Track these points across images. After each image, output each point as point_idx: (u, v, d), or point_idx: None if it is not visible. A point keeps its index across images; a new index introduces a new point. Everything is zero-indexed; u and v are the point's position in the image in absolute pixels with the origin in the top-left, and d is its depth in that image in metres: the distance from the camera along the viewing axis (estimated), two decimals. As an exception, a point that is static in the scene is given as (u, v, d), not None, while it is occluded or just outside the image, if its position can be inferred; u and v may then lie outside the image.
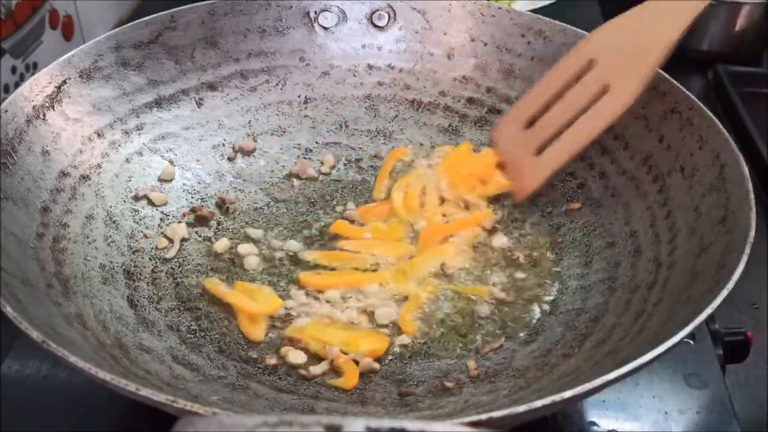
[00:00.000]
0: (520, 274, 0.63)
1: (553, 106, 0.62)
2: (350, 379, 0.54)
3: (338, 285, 0.61)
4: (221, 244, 0.64)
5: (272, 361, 0.56)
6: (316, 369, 0.55)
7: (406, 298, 0.60)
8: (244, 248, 0.64)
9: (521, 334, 0.58)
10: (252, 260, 0.63)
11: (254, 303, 0.59)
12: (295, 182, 0.72)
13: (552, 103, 0.63)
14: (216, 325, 0.58)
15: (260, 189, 0.70)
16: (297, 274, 0.62)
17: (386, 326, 0.58)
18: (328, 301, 0.60)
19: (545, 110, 0.63)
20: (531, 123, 0.64)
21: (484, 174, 0.67)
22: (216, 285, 0.60)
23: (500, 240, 0.65)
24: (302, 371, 0.55)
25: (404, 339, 0.57)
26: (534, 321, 0.59)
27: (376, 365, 0.55)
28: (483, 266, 0.63)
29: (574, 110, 0.60)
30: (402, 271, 0.62)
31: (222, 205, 0.68)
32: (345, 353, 0.56)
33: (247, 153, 0.72)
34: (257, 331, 0.57)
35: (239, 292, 0.60)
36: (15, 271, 0.51)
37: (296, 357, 0.56)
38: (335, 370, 0.55)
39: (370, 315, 0.59)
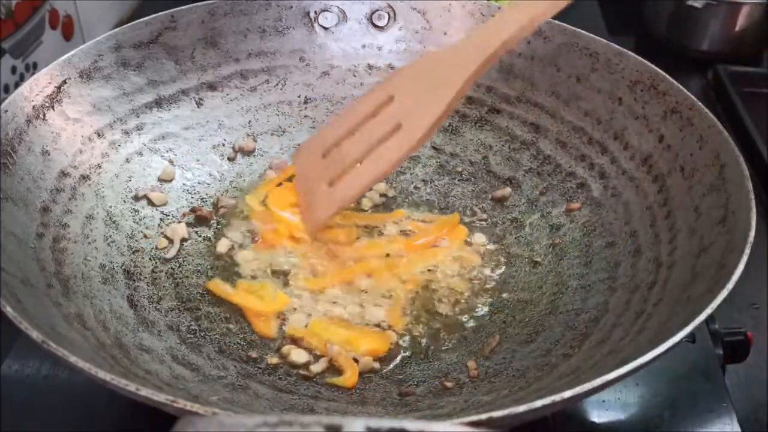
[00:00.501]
0: (519, 274, 0.63)
1: (349, 138, 0.60)
2: (350, 377, 0.54)
3: (332, 284, 0.61)
4: (223, 244, 0.64)
5: (273, 360, 0.56)
6: (316, 367, 0.55)
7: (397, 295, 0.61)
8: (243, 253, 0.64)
9: (521, 334, 0.58)
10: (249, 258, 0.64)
11: (261, 302, 0.59)
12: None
13: (350, 134, 0.61)
14: (216, 325, 0.58)
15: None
16: (295, 272, 0.62)
17: (378, 325, 0.58)
18: (328, 300, 0.60)
19: (342, 141, 0.61)
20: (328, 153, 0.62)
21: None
22: (219, 286, 0.60)
23: (480, 239, 0.66)
24: (302, 371, 0.55)
25: (405, 339, 0.58)
26: (534, 321, 0.59)
27: (376, 365, 0.56)
28: (479, 266, 0.63)
29: (367, 145, 0.59)
30: (392, 267, 0.62)
31: (216, 208, 0.68)
32: (346, 351, 0.56)
33: (247, 153, 0.72)
34: (270, 328, 0.58)
35: (244, 291, 0.60)
36: (15, 271, 0.51)
37: (299, 356, 0.56)
38: (335, 369, 0.55)
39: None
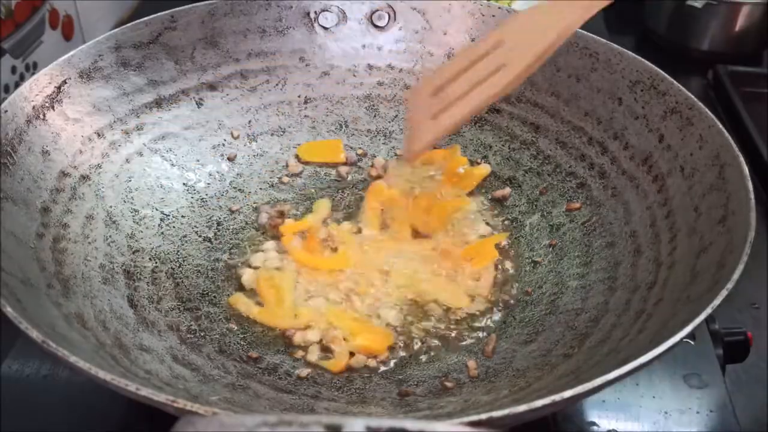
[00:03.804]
0: (519, 274, 0.63)
1: (456, 80, 0.64)
2: (338, 362, 0.55)
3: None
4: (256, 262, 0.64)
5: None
6: (312, 355, 0.57)
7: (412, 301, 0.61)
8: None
9: (521, 334, 0.58)
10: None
11: (278, 319, 0.59)
12: (296, 182, 0.72)
13: (458, 76, 0.65)
14: (216, 325, 0.58)
15: (260, 189, 0.70)
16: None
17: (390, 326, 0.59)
18: (346, 292, 0.61)
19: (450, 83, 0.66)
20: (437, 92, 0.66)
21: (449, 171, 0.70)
22: (241, 302, 0.60)
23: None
24: (299, 352, 0.57)
25: (405, 339, 0.58)
26: (534, 321, 0.59)
27: (372, 362, 0.56)
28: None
29: (470, 84, 0.63)
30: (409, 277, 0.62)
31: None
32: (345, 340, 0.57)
33: (294, 175, 0.73)
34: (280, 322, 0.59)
35: (264, 310, 0.60)
36: (15, 271, 0.51)
37: (301, 338, 0.57)
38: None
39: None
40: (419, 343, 0.58)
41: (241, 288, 0.61)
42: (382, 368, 0.56)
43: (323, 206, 0.69)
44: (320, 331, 0.58)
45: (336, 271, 0.62)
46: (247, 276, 0.62)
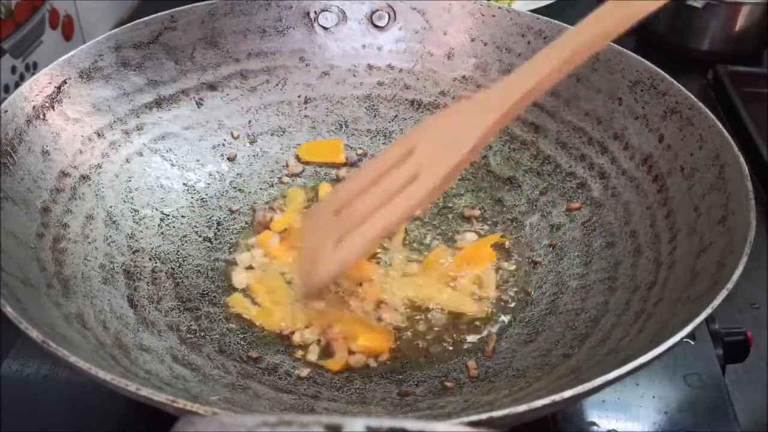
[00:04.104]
0: (519, 274, 0.63)
1: (364, 194, 0.56)
2: (337, 361, 0.56)
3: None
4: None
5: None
6: (312, 350, 0.57)
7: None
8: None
9: (521, 334, 0.58)
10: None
11: (271, 321, 0.59)
12: (296, 182, 0.72)
13: (365, 191, 0.56)
14: (216, 325, 0.58)
15: (260, 189, 0.70)
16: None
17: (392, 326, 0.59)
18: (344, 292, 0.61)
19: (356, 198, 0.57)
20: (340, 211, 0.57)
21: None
22: (239, 302, 0.60)
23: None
24: (299, 351, 0.57)
25: (405, 339, 0.58)
26: (534, 321, 0.59)
27: (372, 362, 0.56)
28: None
29: (380, 199, 0.55)
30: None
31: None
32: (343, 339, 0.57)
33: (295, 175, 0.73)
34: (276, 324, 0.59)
35: (261, 311, 0.60)
36: (15, 271, 0.51)
37: (300, 337, 0.57)
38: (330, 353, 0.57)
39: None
40: (419, 343, 0.58)
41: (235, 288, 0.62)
42: (382, 368, 0.56)
43: (298, 195, 0.69)
44: (319, 330, 0.58)
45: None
46: (238, 278, 0.62)
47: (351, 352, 0.56)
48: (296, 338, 0.58)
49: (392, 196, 0.54)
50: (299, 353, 0.57)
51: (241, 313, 0.59)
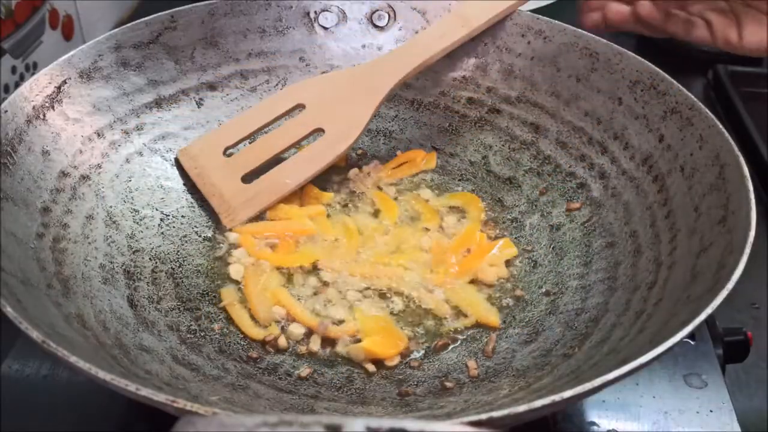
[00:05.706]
0: (519, 274, 0.63)
1: (263, 137, 0.68)
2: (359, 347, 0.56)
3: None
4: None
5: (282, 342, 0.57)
6: (314, 344, 0.57)
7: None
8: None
9: (521, 334, 0.58)
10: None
11: (252, 328, 0.58)
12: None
13: (261, 133, 0.68)
14: (216, 325, 0.58)
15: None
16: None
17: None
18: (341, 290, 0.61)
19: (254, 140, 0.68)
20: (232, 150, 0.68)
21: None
22: (230, 295, 0.60)
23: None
24: (301, 345, 0.57)
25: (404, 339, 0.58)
26: (534, 321, 0.59)
27: (370, 366, 0.56)
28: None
29: (286, 143, 0.67)
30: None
31: None
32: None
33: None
34: (256, 334, 0.58)
35: (243, 309, 0.59)
36: (15, 271, 0.51)
37: (297, 329, 0.58)
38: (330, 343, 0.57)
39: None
40: (420, 343, 0.58)
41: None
42: (382, 369, 0.56)
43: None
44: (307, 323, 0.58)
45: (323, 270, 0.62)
46: (227, 293, 0.61)
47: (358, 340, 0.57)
48: (281, 342, 0.57)
49: (300, 143, 0.66)
50: (302, 349, 0.57)
51: (229, 313, 0.59)
